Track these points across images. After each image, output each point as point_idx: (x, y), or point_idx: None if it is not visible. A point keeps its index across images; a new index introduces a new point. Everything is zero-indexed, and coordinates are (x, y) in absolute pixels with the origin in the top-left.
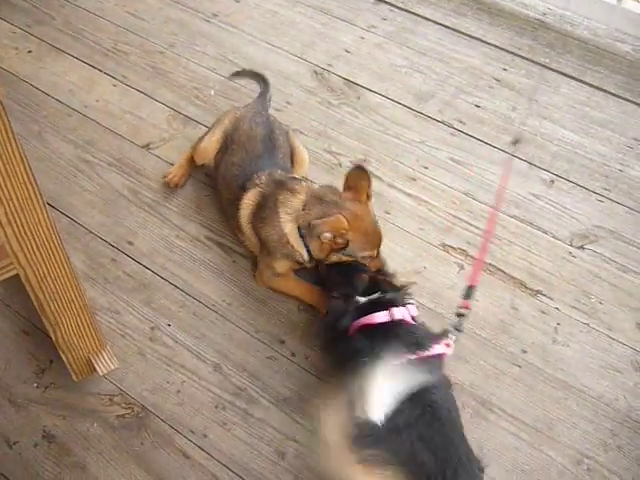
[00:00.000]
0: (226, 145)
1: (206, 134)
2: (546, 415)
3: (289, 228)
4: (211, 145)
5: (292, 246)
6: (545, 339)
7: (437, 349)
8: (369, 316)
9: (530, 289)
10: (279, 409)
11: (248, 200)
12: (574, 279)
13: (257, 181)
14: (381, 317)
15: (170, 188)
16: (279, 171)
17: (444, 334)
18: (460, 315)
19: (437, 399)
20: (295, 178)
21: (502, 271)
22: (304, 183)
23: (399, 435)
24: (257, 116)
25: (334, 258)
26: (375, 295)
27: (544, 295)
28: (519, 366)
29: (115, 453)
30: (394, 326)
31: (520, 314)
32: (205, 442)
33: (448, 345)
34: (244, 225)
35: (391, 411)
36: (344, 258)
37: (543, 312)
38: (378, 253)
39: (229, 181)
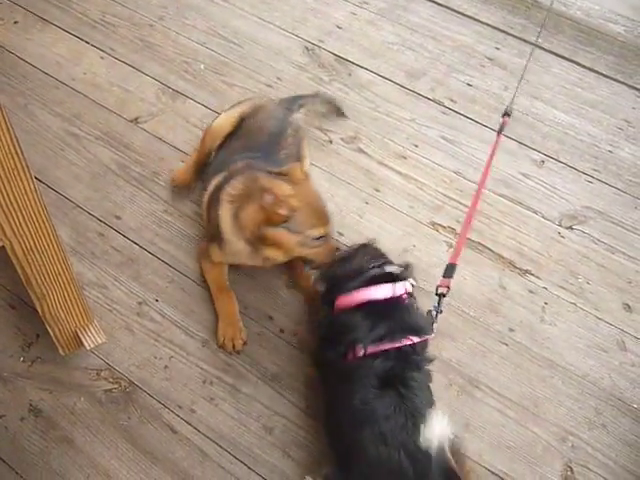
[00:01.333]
0: (237, 129)
1: (222, 112)
2: (532, 393)
3: (224, 210)
4: (226, 124)
5: (222, 231)
6: (532, 318)
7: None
8: (372, 289)
9: (518, 268)
10: (267, 385)
11: (214, 181)
12: (562, 259)
13: (232, 166)
14: (383, 291)
15: (178, 188)
16: (261, 164)
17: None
18: (440, 295)
19: None
20: (264, 172)
21: (491, 250)
22: (257, 173)
23: None
24: (277, 111)
25: (272, 235)
26: (377, 265)
27: (532, 274)
28: (506, 344)
29: (102, 427)
30: (395, 307)
31: (508, 293)
32: (193, 417)
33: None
34: (204, 207)
35: None
36: (286, 237)
37: (531, 291)
38: (329, 234)
39: (215, 165)
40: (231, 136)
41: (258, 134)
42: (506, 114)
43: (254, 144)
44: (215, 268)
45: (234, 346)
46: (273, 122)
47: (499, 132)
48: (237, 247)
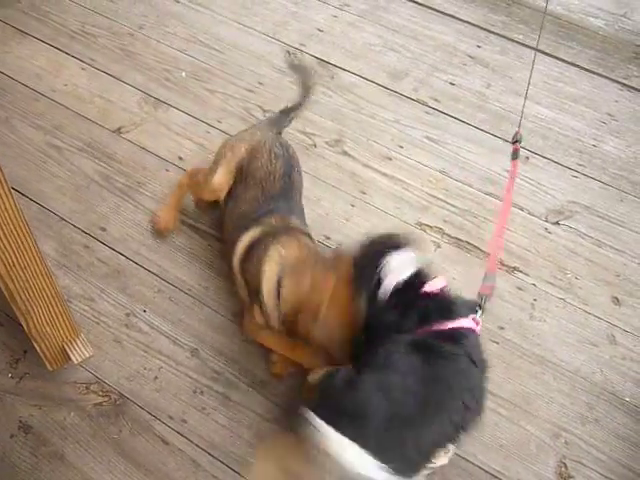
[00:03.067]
0: (241, 177)
1: (217, 166)
2: (524, 390)
3: (268, 275)
4: (226, 179)
5: (262, 295)
6: (522, 315)
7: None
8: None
9: (507, 266)
10: (258, 392)
11: (246, 238)
12: (550, 255)
13: (262, 222)
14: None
15: (161, 235)
16: (293, 218)
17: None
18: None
19: None
20: (301, 231)
21: (478, 248)
22: (306, 240)
23: None
24: (276, 147)
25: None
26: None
27: (520, 271)
28: (497, 342)
29: (93, 442)
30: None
31: (497, 291)
32: (184, 427)
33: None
34: (235, 266)
35: None
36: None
37: (520, 288)
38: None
39: (236, 219)
40: (236, 186)
41: (270, 181)
42: (516, 141)
43: (271, 191)
44: (265, 329)
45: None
46: (279, 164)
47: (513, 159)
48: (273, 313)
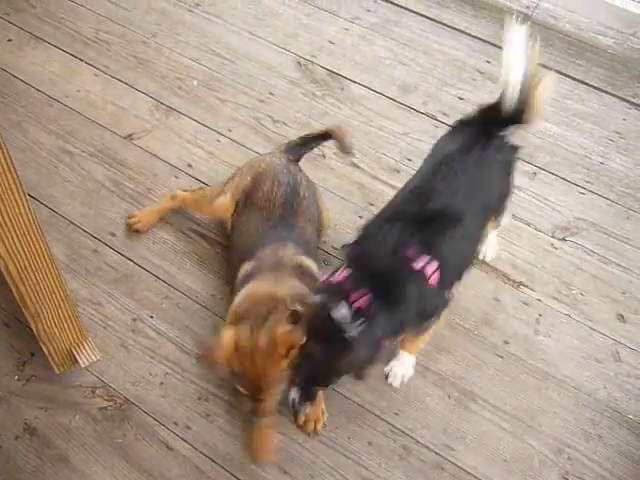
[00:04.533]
0: (244, 204)
1: (222, 188)
2: (528, 405)
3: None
4: (229, 203)
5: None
6: (527, 330)
7: None
8: None
9: (512, 280)
10: None
11: (243, 269)
12: (556, 270)
13: (259, 254)
14: None
15: (130, 231)
16: (289, 247)
17: None
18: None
19: None
20: (286, 266)
21: (485, 263)
22: (284, 280)
23: None
24: (281, 174)
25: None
26: None
27: (526, 286)
28: (501, 357)
29: (97, 446)
30: None
31: (502, 305)
32: (188, 434)
33: None
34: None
35: None
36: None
37: (525, 303)
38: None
39: (238, 248)
40: (241, 213)
41: (271, 209)
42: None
43: (270, 223)
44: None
45: (315, 427)
46: (281, 192)
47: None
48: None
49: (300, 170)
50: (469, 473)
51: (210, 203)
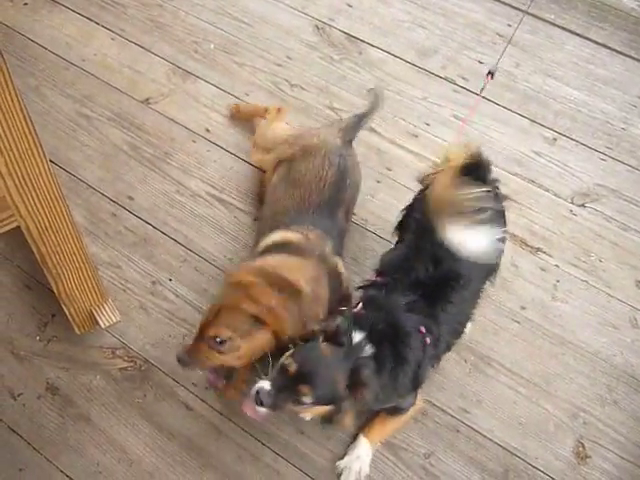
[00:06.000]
0: (288, 171)
1: (273, 144)
2: (544, 370)
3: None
4: (271, 163)
5: None
6: (544, 296)
7: None
8: None
9: (530, 246)
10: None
11: (274, 237)
12: (574, 237)
13: (296, 228)
14: None
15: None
16: (329, 243)
17: None
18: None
19: None
20: (309, 254)
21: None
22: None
23: None
24: (333, 154)
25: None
26: None
27: (544, 253)
28: (518, 322)
29: (118, 405)
30: None
31: (520, 271)
32: (207, 394)
33: None
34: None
35: None
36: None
37: (543, 269)
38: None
39: (274, 213)
40: (282, 178)
41: (319, 187)
42: (490, 72)
43: (316, 198)
44: None
45: None
46: (331, 173)
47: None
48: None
49: (351, 155)
50: (484, 436)
51: (258, 145)
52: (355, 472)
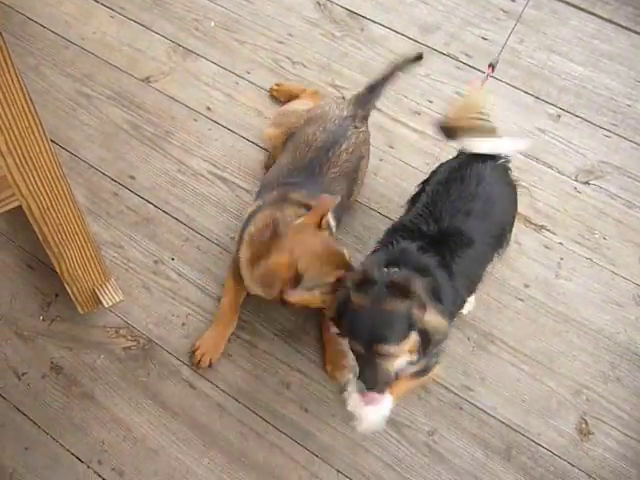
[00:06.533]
0: (291, 138)
1: (280, 121)
2: (547, 347)
3: (243, 251)
4: (279, 137)
5: (241, 272)
6: (548, 273)
7: None
8: None
9: (534, 224)
10: (283, 341)
11: (250, 209)
12: (578, 214)
13: (267, 195)
14: None
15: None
16: (297, 195)
17: None
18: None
19: None
20: (293, 209)
21: None
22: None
23: None
24: (330, 123)
25: (289, 297)
26: None
27: (548, 230)
28: (522, 299)
29: (122, 384)
30: None
31: (523, 249)
32: (211, 373)
33: None
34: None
35: None
36: (307, 295)
37: (546, 247)
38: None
39: (266, 180)
40: (283, 150)
41: (307, 149)
42: (491, 65)
43: (300, 162)
44: (236, 289)
45: (200, 362)
46: (321, 137)
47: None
48: (256, 291)
49: (357, 127)
50: (487, 413)
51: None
52: (371, 422)
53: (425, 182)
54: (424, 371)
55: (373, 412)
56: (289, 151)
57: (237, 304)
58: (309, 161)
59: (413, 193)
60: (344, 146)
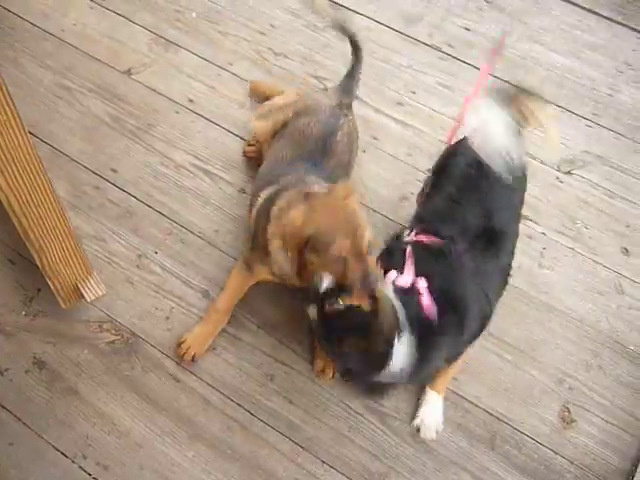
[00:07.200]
0: (280, 134)
1: (268, 114)
2: (530, 336)
3: (273, 227)
4: (269, 129)
5: (271, 248)
6: (531, 263)
7: None
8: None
9: None
10: (267, 333)
11: (264, 193)
12: (561, 204)
13: (283, 179)
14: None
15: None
16: (313, 178)
17: None
18: None
19: None
20: (314, 186)
21: None
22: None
23: None
24: (322, 113)
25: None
26: None
27: (531, 220)
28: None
29: (106, 378)
30: None
31: None
32: (195, 367)
33: None
34: (253, 217)
35: None
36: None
37: (529, 237)
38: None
39: (265, 173)
40: (275, 142)
41: (305, 141)
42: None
43: (302, 153)
44: (244, 281)
45: (185, 355)
46: (317, 128)
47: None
48: (284, 267)
49: (346, 115)
50: (471, 402)
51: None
52: (432, 425)
53: (453, 150)
54: (455, 357)
55: (429, 416)
56: (285, 143)
57: (234, 303)
58: (309, 152)
59: (438, 162)
60: (338, 137)
